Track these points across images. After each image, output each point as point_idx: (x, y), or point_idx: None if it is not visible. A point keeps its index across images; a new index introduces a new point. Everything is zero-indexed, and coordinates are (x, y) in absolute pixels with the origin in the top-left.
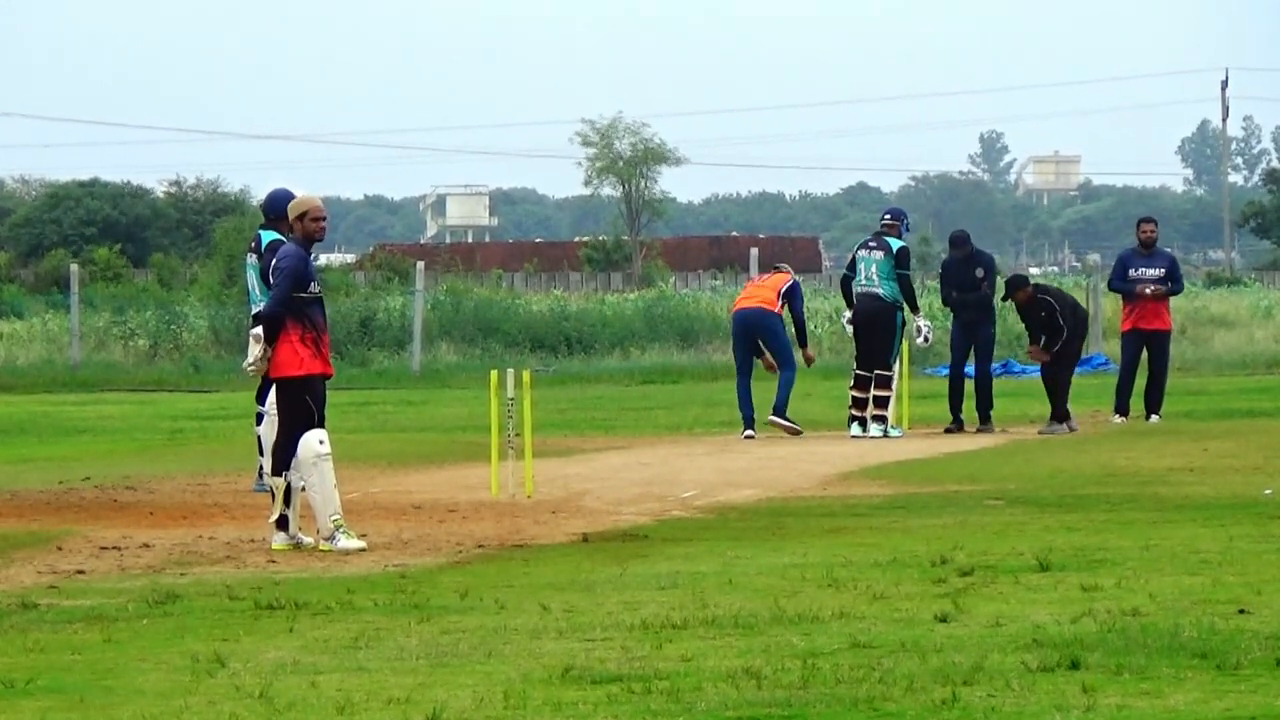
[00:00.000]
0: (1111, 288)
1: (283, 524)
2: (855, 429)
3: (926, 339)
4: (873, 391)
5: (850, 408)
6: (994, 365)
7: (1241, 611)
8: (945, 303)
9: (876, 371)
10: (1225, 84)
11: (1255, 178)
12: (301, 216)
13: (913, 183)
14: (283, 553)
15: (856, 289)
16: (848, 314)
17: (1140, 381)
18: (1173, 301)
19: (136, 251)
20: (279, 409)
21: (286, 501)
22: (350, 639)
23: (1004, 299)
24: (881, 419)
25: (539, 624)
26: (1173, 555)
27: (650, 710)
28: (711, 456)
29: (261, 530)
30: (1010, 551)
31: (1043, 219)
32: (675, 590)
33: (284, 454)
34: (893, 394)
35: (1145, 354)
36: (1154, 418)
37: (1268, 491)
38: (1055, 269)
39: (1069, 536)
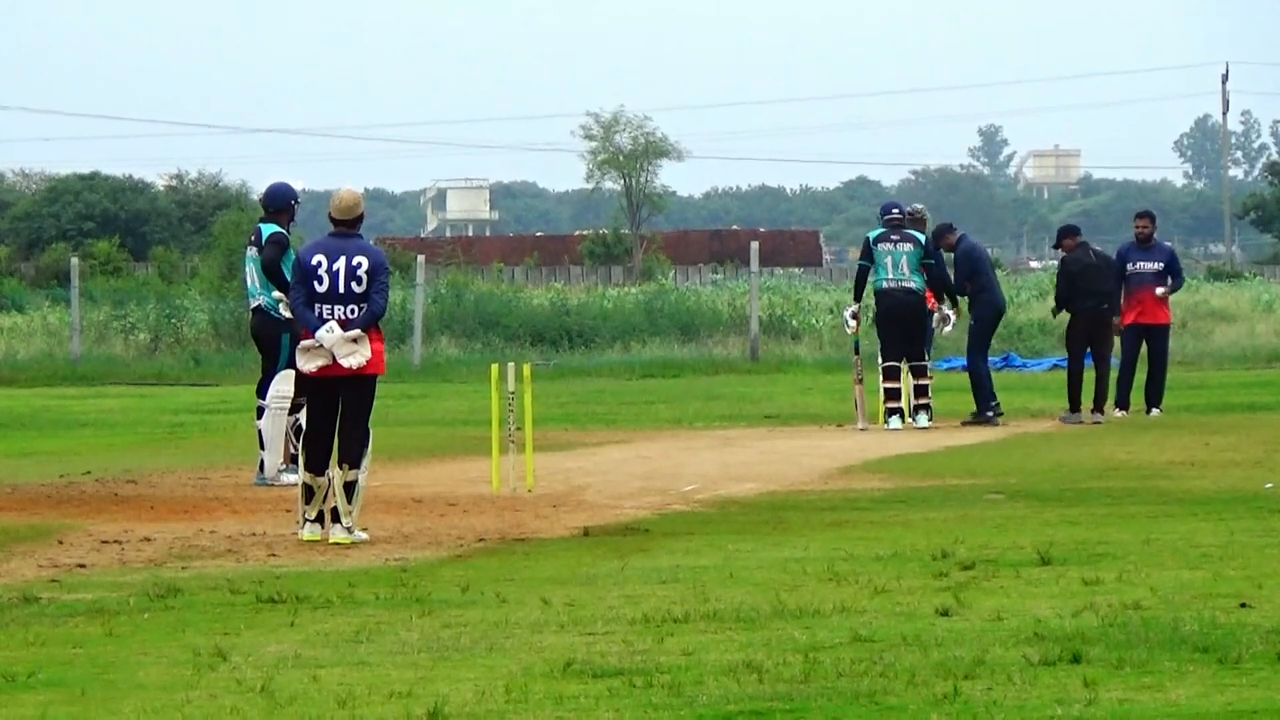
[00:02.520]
0: (1116, 283)
1: (335, 516)
2: (895, 421)
3: (952, 325)
4: (915, 381)
5: (885, 401)
6: (994, 359)
7: (1243, 605)
8: None
9: (913, 363)
10: (1225, 78)
11: (1255, 172)
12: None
13: (913, 176)
14: (347, 544)
15: (885, 283)
16: (854, 306)
17: (1140, 375)
18: (1173, 295)
19: (135, 245)
20: (362, 405)
21: (325, 497)
22: (351, 633)
23: (1054, 246)
24: (929, 408)
25: (540, 618)
26: (1174, 549)
27: (651, 704)
28: (712, 450)
29: (262, 524)
30: (1011, 545)
31: (1043, 213)
32: (676, 584)
33: (358, 448)
34: (931, 382)
35: (1145, 347)
36: (1155, 411)
37: (1269, 485)
38: (1055, 263)
39: (1070, 530)
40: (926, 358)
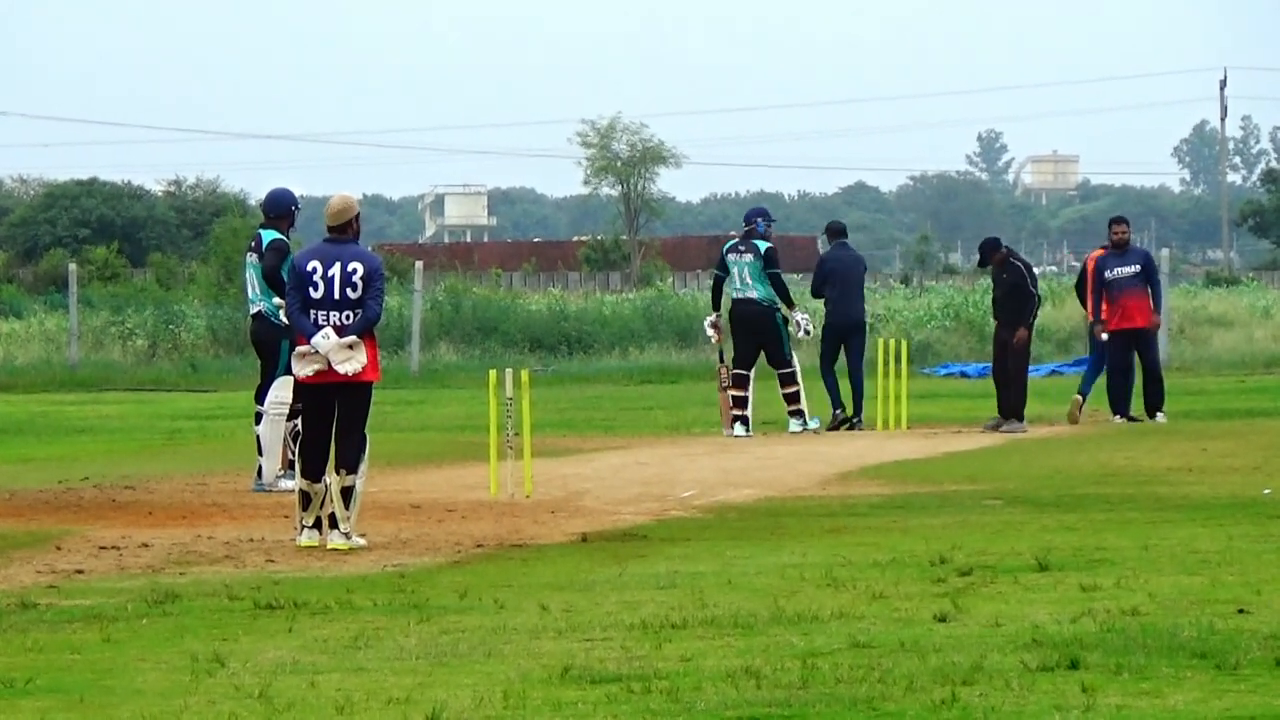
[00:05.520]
0: (1096, 288)
1: (333, 522)
2: (739, 429)
3: (807, 332)
4: (782, 390)
5: (731, 408)
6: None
7: (1240, 611)
8: None
9: (780, 371)
10: (1224, 84)
11: (1254, 178)
12: (356, 218)
13: (911, 182)
14: (345, 550)
15: (732, 294)
16: (712, 316)
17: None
18: (1170, 300)
19: (133, 251)
20: (358, 411)
21: (323, 503)
22: (349, 639)
23: (980, 264)
24: (799, 414)
25: (538, 624)
26: (1172, 555)
27: (649, 710)
28: (710, 456)
29: (260, 530)
30: (1009, 551)
31: (1041, 218)
32: (674, 590)
33: (355, 454)
34: (800, 388)
35: (1134, 353)
36: (1159, 416)
37: (1266, 491)
38: (1054, 268)
39: (1068, 536)
40: (792, 365)
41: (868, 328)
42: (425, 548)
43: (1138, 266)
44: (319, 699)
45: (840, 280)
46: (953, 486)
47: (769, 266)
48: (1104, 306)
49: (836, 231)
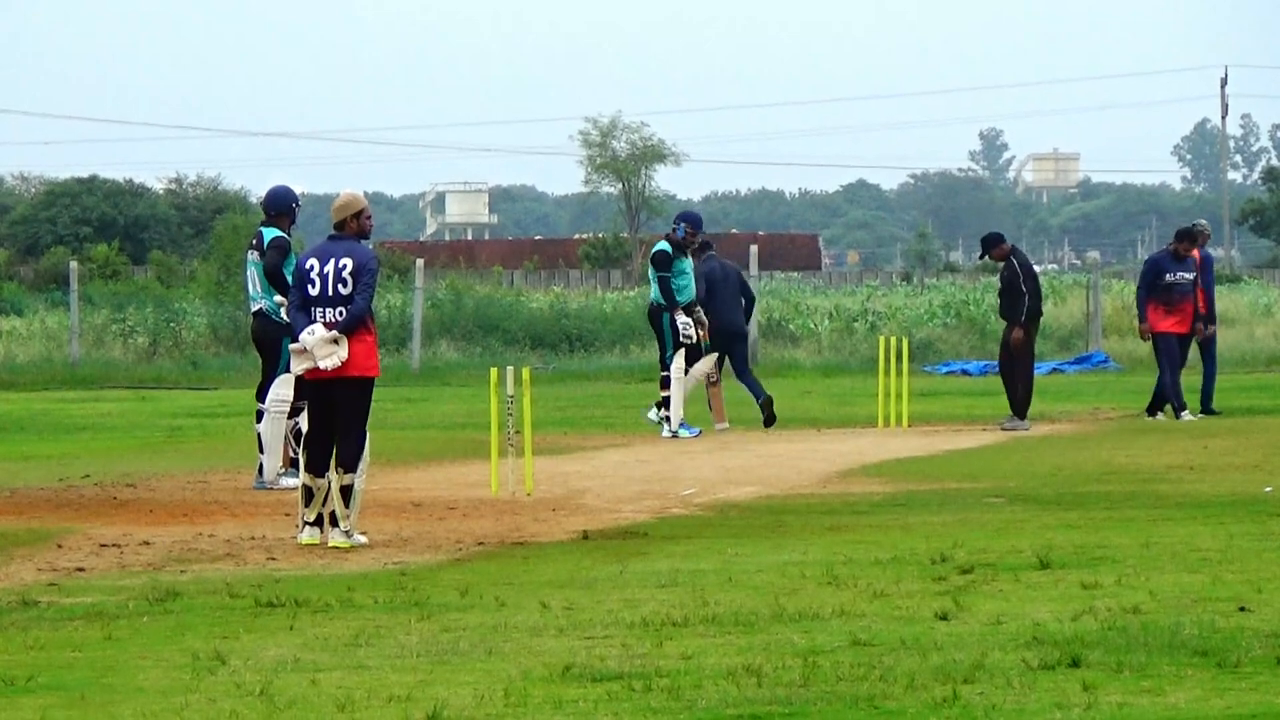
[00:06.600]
0: (1143, 291)
1: (333, 520)
2: (650, 415)
3: (688, 336)
4: (661, 391)
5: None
6: (993, 363)
7: (1242, 609)
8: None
9: (661, 373)
10: (1224, 82)
11: (1254, 176)
12: (356, 215)
13: (912, 180)
14: (346, 548)
15: None
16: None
17: (1148, 380)
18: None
19: (134, 249)
20: (356, 408)
21: (325, 499)
22: (350, 636)
23: (980, 256)
24: (666, 419)
25: (539, 622)
26: (1173, 553)
27: (651, 708)
28: (711, 454)
29: (261, 528)
30: (1010, 549)
31: (1042, 216)
32: (675, 588)
33: (354, 452)
34: (674, 396)
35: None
36: (1160, 415)
37: (1268, 489)
38: (1055, 266)
39: (1069, 534)
40: (668, 369)
41: (747, 336)
42: (426, 545)
43: (1194, 273)
44: (320, 697)
45: (717, 291)
46: (954, 484)
47: (656, 269)
48: (1157, 309)
49: (704, 245)
